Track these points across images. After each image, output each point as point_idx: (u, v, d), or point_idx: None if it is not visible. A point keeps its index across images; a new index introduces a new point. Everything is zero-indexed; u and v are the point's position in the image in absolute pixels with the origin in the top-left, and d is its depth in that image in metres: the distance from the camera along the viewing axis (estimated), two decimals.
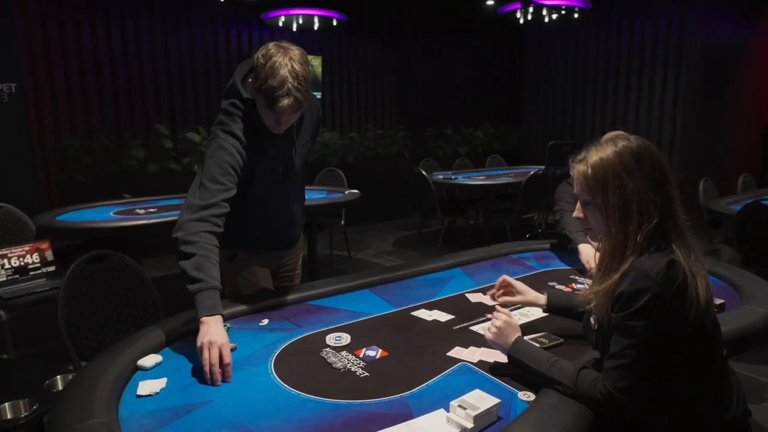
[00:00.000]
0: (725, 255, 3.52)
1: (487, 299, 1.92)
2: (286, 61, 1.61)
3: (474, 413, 1.09)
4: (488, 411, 1.11)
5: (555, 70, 8.84)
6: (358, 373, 1.36)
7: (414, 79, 9.16)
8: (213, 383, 1.31)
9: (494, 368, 1.38)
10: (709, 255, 3.16)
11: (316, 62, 8.08)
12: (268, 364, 1.41)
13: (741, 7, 8.12)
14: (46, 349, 2.47)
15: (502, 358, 1.42)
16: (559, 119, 8.87)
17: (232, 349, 1.44)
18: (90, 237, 3.39)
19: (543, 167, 5.73)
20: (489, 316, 1.44)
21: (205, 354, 1.34)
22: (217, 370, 1.32)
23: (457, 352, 1.48)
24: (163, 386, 1.29)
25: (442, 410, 1.17)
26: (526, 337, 1.57)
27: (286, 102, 1.62)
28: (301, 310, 1.82)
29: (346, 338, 1.55)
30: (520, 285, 1.64)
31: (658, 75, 7.56)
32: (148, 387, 1.28)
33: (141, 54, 6.52)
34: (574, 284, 2.10)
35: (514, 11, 7.05)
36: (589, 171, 1.21)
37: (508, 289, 1.65)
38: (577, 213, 1.31)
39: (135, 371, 1.37)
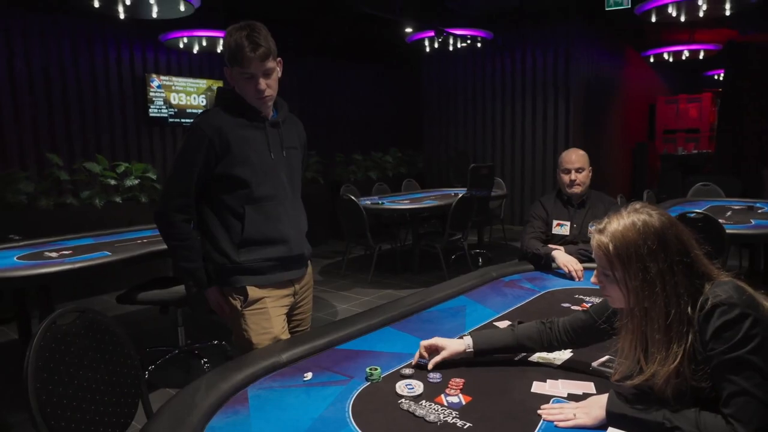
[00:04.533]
0: None
1: None
2: (241, 26, 1.77)
3: None
4: None
5: (455, 95, 9.26)
6: (458, 425, 1.21)
7: (316, 103, 9.07)
8: None
9: None
10: None
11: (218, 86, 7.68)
12: (352, 427, 1.21)
13: (611, 44, 9.17)
14: None
15: (591, 389, 1.37)
16: (460, 144, 9.27)
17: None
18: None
19: (464, 189, 5.90)
20: (543, 411, 1.24)
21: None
22: None
23: (539, 387, 1.39)
24: None
25: None
26: (594, 363, 1.54)
27: (254, 53, 1.73)
28: (337, 358, 1.61)
29: (418, 386, 1.38)
30: (439, 340, 1.52)
31: (550, 102, 8.24)
32: None
33: (32, 76, 5.74)
34: (585, 303, 2.11)
35: (422, 39, 7.30)
36: (611, 246, 1.17)
37: (432, 349, 1.52)
38: (594, 280, 1.29)
39: None
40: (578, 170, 2.78)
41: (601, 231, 1.21)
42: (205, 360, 3.46)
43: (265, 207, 1.83)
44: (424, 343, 1.54)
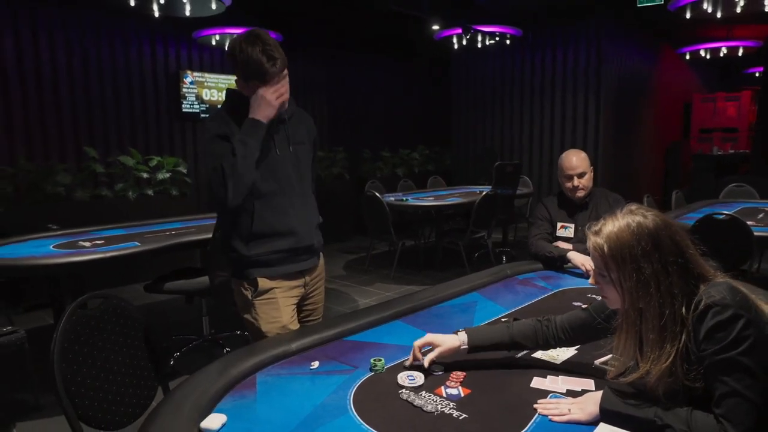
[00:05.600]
0: None
1: None
2: (249, 40, 1.81)
3: None
4: None
5: (483, 93, 9.20)
6: (454, 415, 1.25)
7: (345, 99, 9.15)
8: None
9: None
10: None
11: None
12: (351, 414, 1.26)
13: (644, 41, 8.96)
14: None
15: (590, 386, 1.38)
16: (488, 141, 9.22)
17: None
18: (35, 275, 2.97)
19: (489, 187, 5.88)
20: (539, 405, 1.28)
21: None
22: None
23: (538, 382, 1.42)
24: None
25: None
26: (597, 362, 1.55)
27: (275, 67, 1.81)
28: (344, 348, 1.67)
29: (419, 377, 1.42)
30: (433, 337, 1.51)
31: (580, 100, 8.11)
32: None
33: (72, 72, 6.00)
34: None
35: (450, 36, 7.28)
36: (605, 247, 1.19)
37: (426, 347, 1.51)
38: (592, 281, 1.30)
39: None
40: (580, 175, 2.67)
41: (596, 233, 1.24)
42: (228, 349, 3.56)
43: (272, 201, 1.89)
44: (417, 342, 1.50)
